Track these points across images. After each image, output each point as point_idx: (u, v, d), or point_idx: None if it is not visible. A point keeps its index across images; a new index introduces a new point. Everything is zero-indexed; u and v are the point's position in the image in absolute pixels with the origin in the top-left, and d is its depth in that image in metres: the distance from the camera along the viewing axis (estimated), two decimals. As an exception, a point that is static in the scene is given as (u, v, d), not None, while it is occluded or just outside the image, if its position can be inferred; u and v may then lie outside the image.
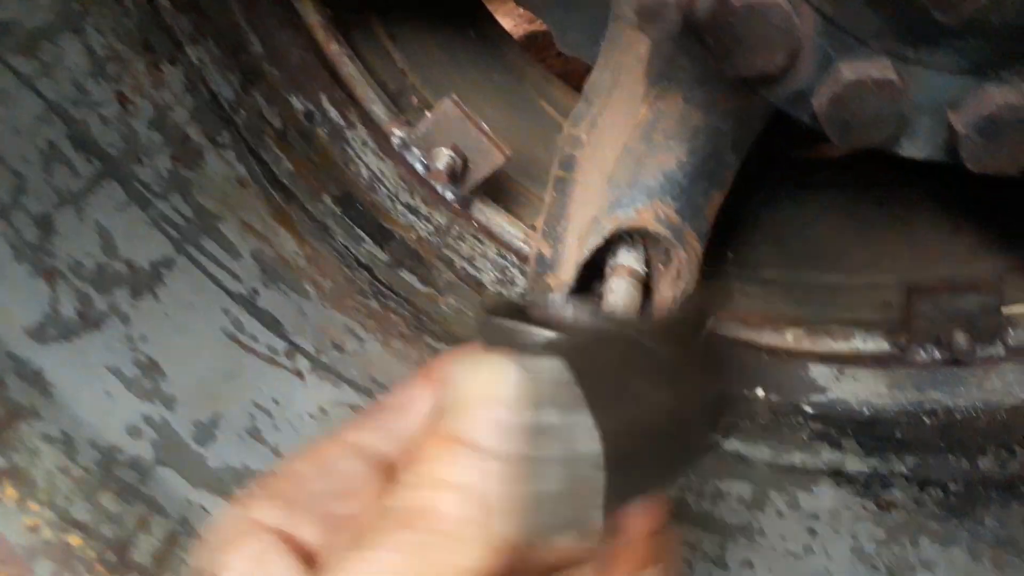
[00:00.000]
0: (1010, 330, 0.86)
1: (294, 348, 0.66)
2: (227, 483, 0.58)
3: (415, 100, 0.97)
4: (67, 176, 0.56)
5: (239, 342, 0.63)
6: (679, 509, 0.75)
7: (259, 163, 0.72)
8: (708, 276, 1.02)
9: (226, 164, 0.69)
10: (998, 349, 0.86)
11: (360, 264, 0.76)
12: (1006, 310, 0.89)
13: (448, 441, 0.36)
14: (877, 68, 0.50)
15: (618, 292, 0.85)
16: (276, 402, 0.63)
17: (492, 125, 1.13)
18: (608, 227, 0.84)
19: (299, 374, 0.65)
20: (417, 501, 0.35)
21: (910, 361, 0.89)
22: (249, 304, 0.65)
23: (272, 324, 0.66)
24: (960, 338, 0.84)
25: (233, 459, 0.59)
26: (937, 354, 0.88)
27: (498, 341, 0.42)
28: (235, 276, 0.65)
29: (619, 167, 0.87)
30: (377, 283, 0.76)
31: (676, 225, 0.84)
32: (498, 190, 0.98)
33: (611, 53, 0.98)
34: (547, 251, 0.89)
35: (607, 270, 0.89)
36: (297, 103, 0.80)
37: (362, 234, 0.78)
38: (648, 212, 0.84)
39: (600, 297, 0.88)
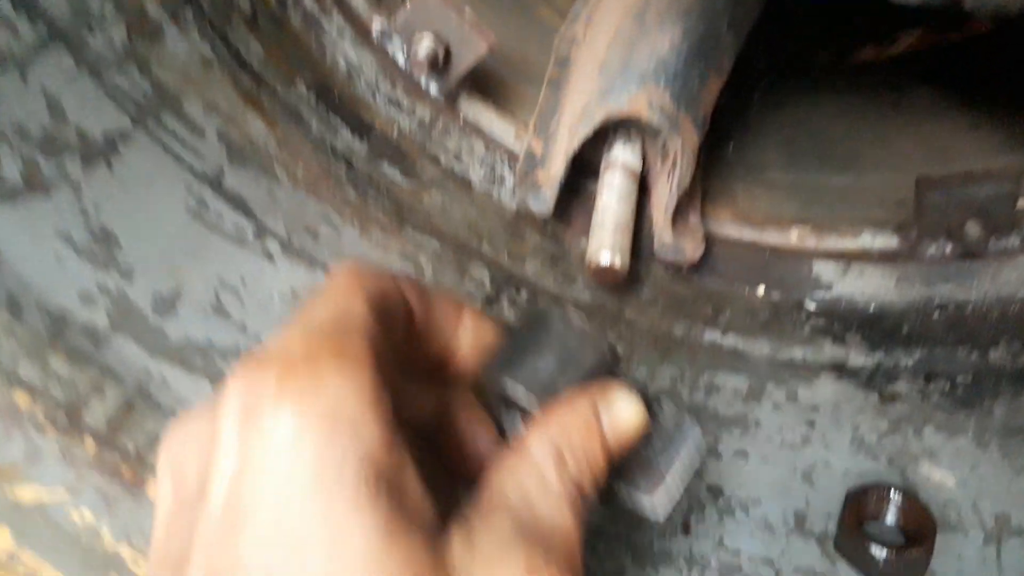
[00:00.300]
0: (1025, 221, 0.82)
1: (264, 230, 0.64)
2: (189, 355, 0.56)
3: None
4: (8, 38, 0.54)
5: (203, 219, 0.61)
6: (671, 399, 0.72)
7: (225, 45, 0.69)
8: (709, 175, 0.98)
9: (188, 43, 0.66)
10: (1013, 241, 0.81)
11: (337, 154, 0.73)
12: (1021, 202, 0.84)
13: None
14: None
15: (613, 187, 0.82)
16: (244, 280, 0.61)
17: (489, 27, 1.09)
18: (598, 116, 0.80)
19: (269, 256, 0.63)
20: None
21: (920, 256, 0.85)
22: (215, 183, 0.63)
23: (240, 205, 0.64)
24: (972, 229, 0.80)
25: (195, 333, 0.57)
26: (948, 248, 0.83)
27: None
28: (199, 154, 0.63)
29: (611, 53, 0.83)
30: (355, 174, 0.73)
31: (670, 112, 0.80)
32: (490, 90, 0.95)
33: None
34: (537, 147, 0.85)
35: (602, 166, 0.85)
36: (268, -14, 0.76)
37: (339, 125, 0.75)
38: (641, 99, 0.80)
39: (593, 196, 0.85)
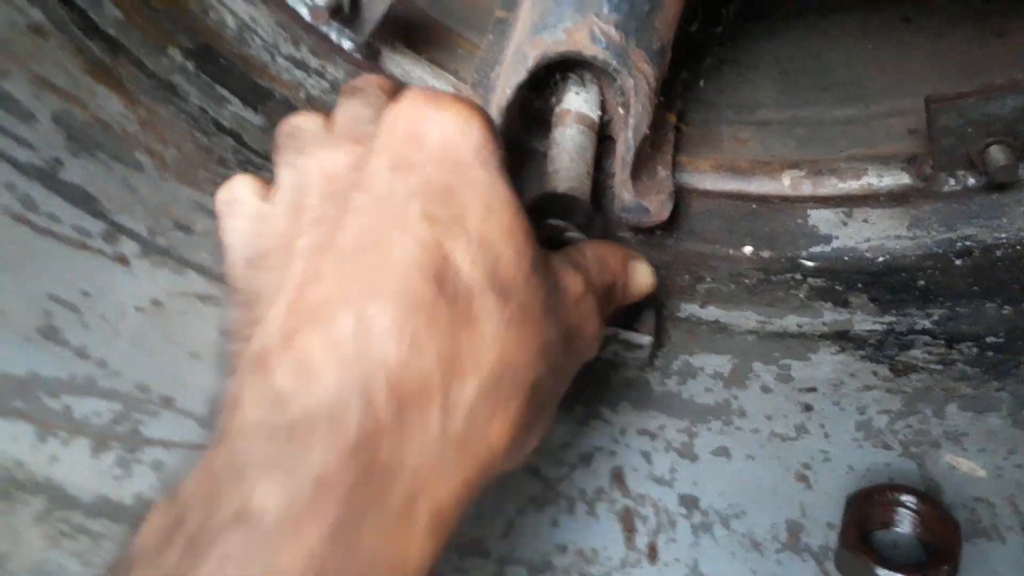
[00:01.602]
0: (1065, 139, 0.67)
1: (116, 229, 0.53)
2: (4, 395, 0.45)
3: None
4: None
5: (29, 223, 0.50)
6: (637, 392, 0.61)
7: (67, 7, 0.57)
8: (689, 121, 0.85)
9: (10, 8, 0.54)
10: (1049, 164, 0.67)
11: (222, 129, 0.62)
12: (1060, 115, 0.70)
13: None
14: None
15: (562, 143, 0.69)
16: (85, 294, 0.50)
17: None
18: (532, 55, 0.67)
19: (122, 260, 0.52)
20: None
21: (936, 192, 0.71)
22: (47, 177, 0.52)
23: (82, 201, 0.53)
24: (997, 153, 0.66)
25: (14, 365, 0.46)
26: (970, 180, 0.70)
27: None
28: (25, 143, 0.52)
29: (545, -20, 0.70)
30: (246, 150, 0.62)
31: (618, 44, 0.67)
32: (429, 42, 0.83)
33: None
34: (475, 101, 0.73)
35: (553, 118, 0.73)
36: (132, -63, 0.64)
37: (226, 94, 0.64)
38: (581, 31, 0.67)
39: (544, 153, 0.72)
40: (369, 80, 0.51)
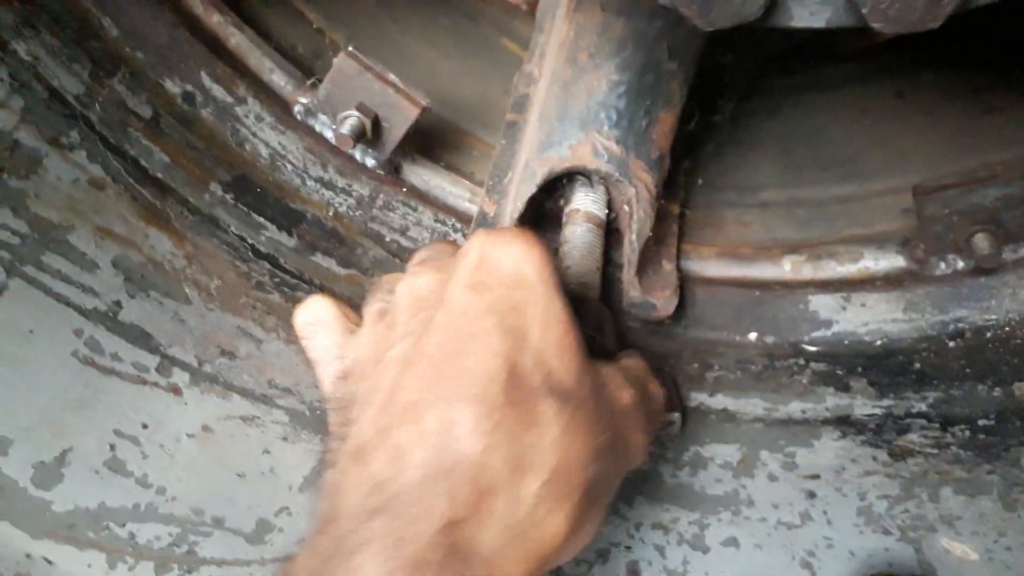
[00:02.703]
0: (1048, 223, 0.71)
1: (169, 362, 0.59)
2: (79, 527, 0.51)
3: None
4: None
5: (95, 365, 0.56)
6: (651, 485, 0.65)
7: (121, 159, 0.64)
8: (695, 206, 0.90)
9: (74, 166, 0.61)
10: (1034, 248, 0.71)
11: (259, 254, 0.68)
12: (1043, 199, 0.73)
13: None
14: (730, -86, 0.37)
15: (573, 241, 0.74)
16: (144, 426, 0.56)
17: (445, 76, 1.03)
18: (540, 172, 0.73)
19: (175, 390, 0.58)
20: None
21: (929, 276, 0.75)
22: (109, 320, 0.58)
23: (139, 339, 0.59)
24: (981, 241, 0.70)
25: (86, 499, 0.52)
26: (960, 264, 0.73)
27: None
28: (89, 291, 0.58)
29: (549, 99, 0.76)
30: (282, 273, 0.68)
31: (618, 157, 0.73)
32: (444, 147, 0.89)
33: (558, -31, 0.86)
34: (490, 208, 0.79)
35: (564, 217, 0.78)
36: (172, 86, 0.72)
37: (262, 220, 0.70)
38: (584, 147, 0.73)
39: (556, 250, 0.77)
40: (443, 241, 0.64)
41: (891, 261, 0.77)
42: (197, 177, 0.69)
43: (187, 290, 0.63)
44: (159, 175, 0.67)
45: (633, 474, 0.66)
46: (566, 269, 0.72)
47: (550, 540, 0.44)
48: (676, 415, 0.66)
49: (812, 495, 0.63)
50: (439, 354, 0.46)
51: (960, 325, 0.71)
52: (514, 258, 0.48)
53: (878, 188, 0.89)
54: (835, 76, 1.10)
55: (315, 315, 0.55)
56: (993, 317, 0.71)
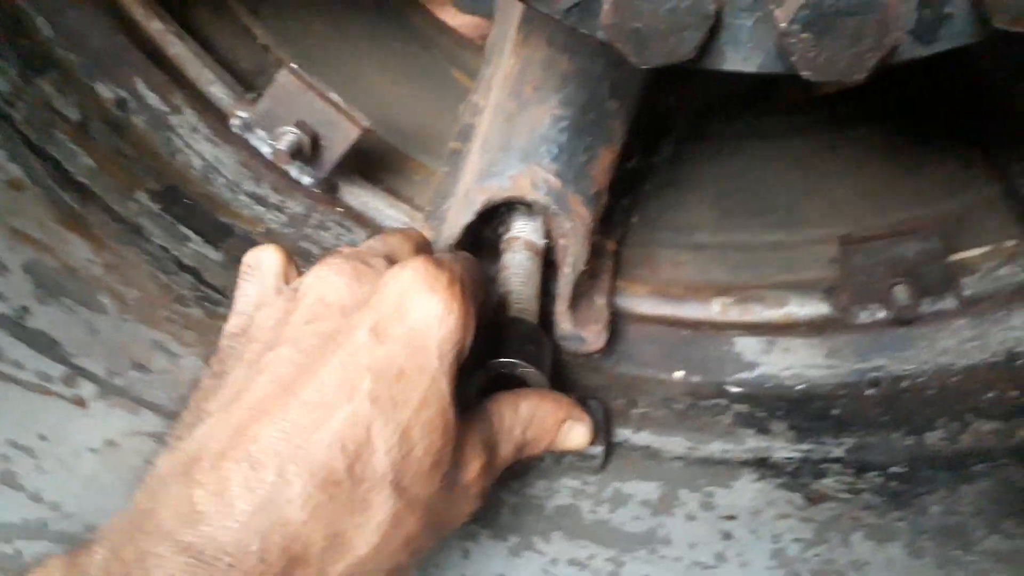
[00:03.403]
0: (963, 279, 0.74)
1: (76, 372, 0.57)
2: (-36, 542, 0.48)
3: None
4: None
5: (-4, 372, 0.53)
6: (569, 520, 0.64)
7: (43, 161, 0.62)
8: (630, 244, 0.91)
9: (-9, 166, 0.59)
10: (950, 302, 0.74)
11: (182, 267, 0.66)
12: (960, 255, 0.76)
13: None
14: (664, -43, 0.38)
15: (511, 267, 0.74)
16: (43, 438, 0.53)
17: (392, 101, 1.03)
18: (479, 200, 0.73)
19: (80, 402, 0.56)
20: None
21: (850, 324, 0.77)
22: (14, 325, 0.56)
23: (46, 347, 0.56)
24: (900, 293, 0.72)
25: (-27, 512, 0.49)
26: (881, 314, 0.75)
27: None
28: (-4, 295, 0.56)
29: (492, 129, 0.76)
30: (204, 288, 0.66)
31: (557, 190, 0.73)
32: (386, 170, 0.88)
33: (506, 6, 0.87)
34: (429, 234, 0.78)
35: (501, 244, 0.78)
36: (105, 91, 0.70)
37: (188, 232, 0.68)
38: (524, 179, 0.73)
39: (494, 278, 0.77)
40: (403, 230, 0.66)
41: (815, 308, 0.79)
42: (124, 184, 0.68)
43: (102, 299, 0.61)
44: (83, 180, 0.65)
45: (552, 509, 0.65)
46: (505, 295, 0.72)
47: None
48: (599, 450, 0.66)
49: (728, 536, 0.64)
50: (310, 395, 0.45)
51: (878, 374, 0.73)
52: (427, 318, 0.48)
53: (808, 237, 0.91)
54: (774, 126, 1.13)
55: (259, 260, 0.55)
56: (909, 367, 0.73)
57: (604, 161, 0.76)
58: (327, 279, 0.52)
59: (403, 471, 0.46)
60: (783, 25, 0.40)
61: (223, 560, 0.40)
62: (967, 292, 0.74)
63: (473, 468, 0.52)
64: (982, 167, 0.88)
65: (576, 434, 0.61)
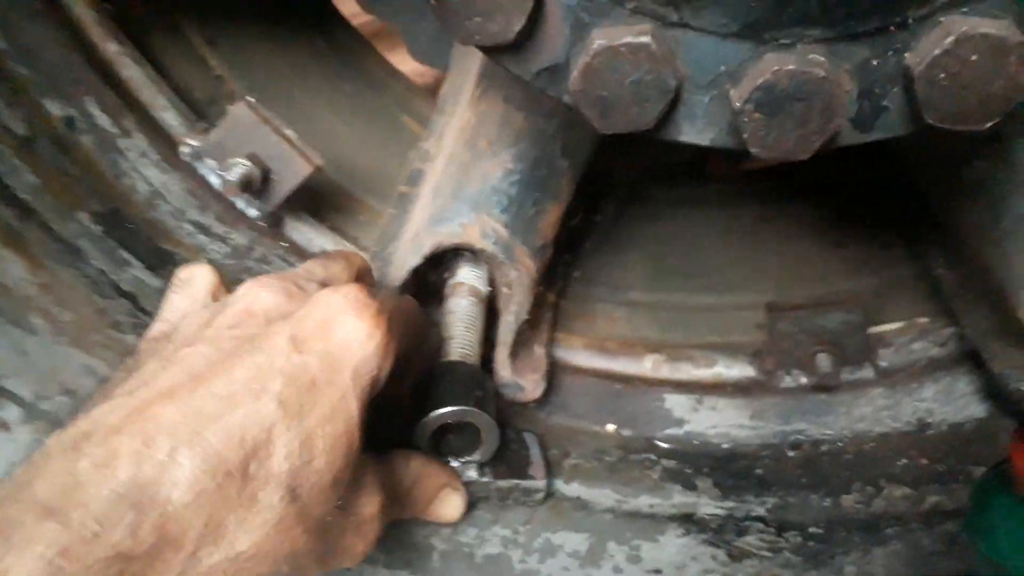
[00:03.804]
0: (880, 350, 0.78)
1: (0, 394, 0.54)
2: None
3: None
4: None
5: (-88, 391, 0.51)
6: (498, 569, 0.65)
7: (-17, 174, 0.61)
8: (568, 297, 0.93)
9: (-73, 177, 0.57)
10: (867, 372, 0.78)
11: (120, 292, 0.65)
12: (878, 328, 0.81)
13: None
14: (632, 32, 0.41)
15: (456, 312, 0.75)
16: (-40, 463, 0.51)
17: (342, 141, 1.04)
18: (428, 243, 0.74)
19: (3, 426, 0.53)
20: None
21: (775, 388, 0.80)
22: (-61, 343, 0.54)
23: (-30, 367, 0.54)
24: (823, 361, 0.76)
25: None
26: (803, 379, 0.79)
27: None
28: (-78, 315, 0.54)
29: (445, 177, 0.78)
30: (141, 314, 0.65)
31: (505, 240, 0.75)
32: (332, 208, 0.89)
33: (462, 59, 0.89)
34: (374, 274, 0.78)
35: (446, 289, 0.79)
36: (55, 108, 0.69)
37: (128, 257, 0.67)
38: (474, 227, 0.75)
39: (438, 322, 0.78)
40: (346, 254, 0.66)
41: (742, 370, 0.82)
42: (66, 204, 0.66)
43: (34, 320, 0.59)
44: (24, 196, 0.63)
45: (482, 557, 0.66)
46: (449, 339, 0.73)
47: None
48: (542, 483, 0.67)
49: (654, 590, 0.65)
50: (219, 386, 0.45)
51: (799, 437, 0.77)
52: (348, 339, 0.49)
53: (735, 302, 0.95)
54: (708, 195, 1.18)
55: (192, 275, 0.57)
56: (829, 432, 0.76)
57: (551, 216, 0.78)
58: (256, 293, 0.53)
59: (300, 479, 0.45)
60: (737, 104, 0.43)
61: (89, 528, 0.39)
62: (883, 363, 0.78)
63: (373, 503, 0.52)
64: (900, 248, 0.94)
65: (452, 503, 0.62)
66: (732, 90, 0.44)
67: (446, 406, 0.61)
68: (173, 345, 0.50)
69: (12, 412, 0.55)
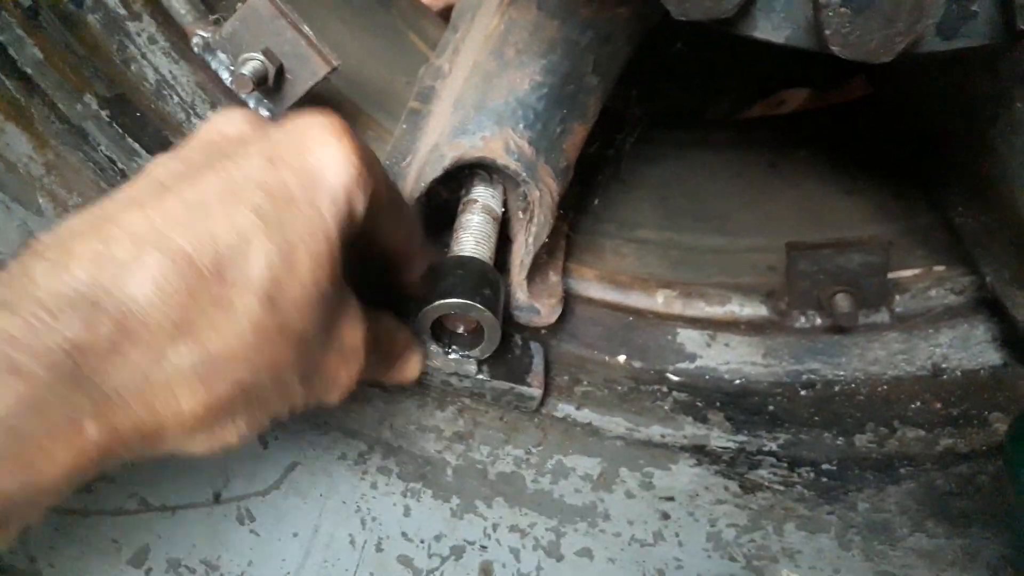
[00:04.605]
0: (896, 296, 0.77)
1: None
2: None
3: (239, 6, 0.82)
4: None
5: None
6: (512, 488, 0.63)
7: (-13, 42, 0.56)
8: (577, 230, 0.91)
9: (-75, 35, 0.53)
10: (883, 316, 0.77)
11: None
12: (894, 275, 0.80)
13: None
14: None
15: (470, 228, 0.72)
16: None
17: (350, 53, 0.99)
18: (450, 155, 0.71)
19: (8, 304, 0.50)
20: None
21: (788, 327, 0.79)
22: (-60, 212, 0.50)
23: (-25, 240, 0.51)
24: (843, 301, 0.75)
25: None
26: (818, 320, 0.78)
27: None
28: (-78, 175, 0.50)
29: (467, 87, 0.75)
30: (150, 206, 0.61)
31: (529, 158, 0.72)
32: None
33: (481, -29, 0.85)
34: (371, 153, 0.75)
35: (460, 206, 0.76)
36: (60, -20, 0.64)
37: (137, 147, 0.63)
38: (497, 141, 0.72)
39: (447, 244, 0.75)
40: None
41: (755, 309, 0.81)
42: (72, 84, 0.62)
43: (41, 200, 0.55)
44: (28, 70, 0.59)
45: (495, 474, 0.64)
46: (459, 254, 0.70)
47: (174, 416, 0.42)
48: (538, 392, 0.67)
49: (666, 516, 0.64)
50: (189, 195, 0.43)
51: (812, 376, 0.76)
52: (326, 160, 0.47)
53: (746, 244, 0.94)
54: (716, 139, 1.16)
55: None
56: (842, 373, 0.75)
57: (577, 137, 0.75)
58: (228, 116, 0.50)
59: (280, 288, 0.43)
60: (824, -3, 0.40)
61: (40, 318, 0.37)
62: (898, 308, 0.77)
63: (356, 331, 0.51)
64: (911, 197, 0.93)
65: (413, 363, 0.62)
66: (816, -17, 0.41)
67: (451, 298, 0.60)
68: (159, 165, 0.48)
69: (16, 292, 0.51)
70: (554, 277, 0.78)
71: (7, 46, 0.58)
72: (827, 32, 0.41)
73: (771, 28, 0.43)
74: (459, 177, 0.76)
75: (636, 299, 0.84)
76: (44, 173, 0.56)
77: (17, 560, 0.52)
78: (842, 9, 0.41)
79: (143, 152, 0.64)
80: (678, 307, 0.82)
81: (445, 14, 1.29)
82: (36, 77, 0.59)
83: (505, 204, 0.76)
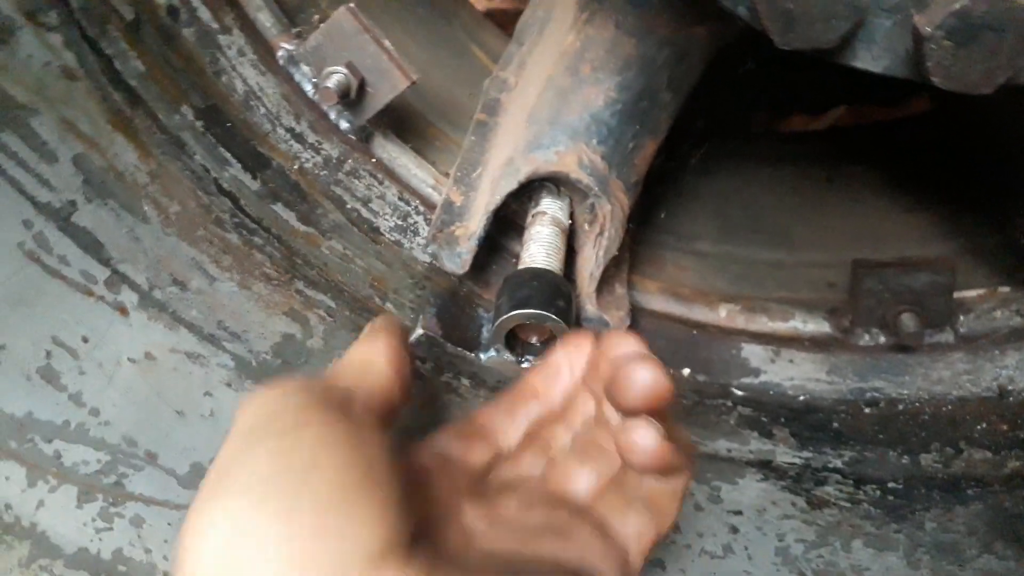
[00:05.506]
0: (961, 316, 0.78)
1: (119, 277, 0.54)
2: (1, 434, 0.45)
3: (317, 20, 0.84)
4: None
5: (41, 263, 0.50)
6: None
7: (97, 55, 0.59)
8: (638, 241, 0.92)
9: (48, 49, 0.56)
10: (948, 336, 0.77)
11: (222, 190, 0.63)
12: (958, 294, 0.80)
13: None
14: (834, -55, 0.39)
15: (540, 240, 0.74)
16: (85, 340, 0.50)
17: (417, 65, 1.01)
18: (525, 169, 0.73)
19: (122, 309, 0.53)
20: None
21: (853, 345, 0.80)
22: (61, 219, 0.52)
23: (91, 247, 0.53)
24: (908, 320, 0.75)
25: (12, 405, 0.46)
26: (882, 338, 0.79)
27: None
28: (45, 183, 0.52)
29: (541, 102, 0.76)
30: (241, 215, 0.64)
31: (601, 173, 0.74)
32: (410, 131, 0.87)
33: (547, -13, 0.87)
34: (457, 198, 0.77)
35: (528, 219, 0.78)
36: (159, -5, 0.66)
37: (228, 156, 0.66)
38: (571, 156, 0.73)
39: (516, 256, 0.77)
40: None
41: (818, 326, 0.82)
42: (170, 95, 0.65)
43: (146, 208, 0.58)
44: (132, 82, 0.62)
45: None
46: (531, 265, 0.72)
47: None
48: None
49: (735, 530, 0.65)
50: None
51: (876, 394, 0.76)
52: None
53: (805, 260, 0.94)
54: (771, 153, 1.17)
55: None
56: (906, 392, 0.76)
57: (647, 151, 0.77)
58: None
59: None
60: (928, 30, 0.41)
61: None
62: (963, 329, 0.78)
63: None
64: (973, 216, 0.93)
65: None
66: (917, 15, 0.42)
67: (528, 308, 0.62)
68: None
69: (130, 297, 0.54)
70: (620, 289, 0.79)
71: (113, 59, 0.60)
72: (928, 64, 0.42)
73: (871, 58, 0.44)
74: (528, 189, 0.78)
75: (699, 312, 0.85)
76: (148, 181, 0.58)
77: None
78: (945, 43, 0.42)
79: (234, 161, 0.67)
80: (741, 322, 0.83)
81: (491, 15, 1.31)
82: (139, 89, 0.61)
83: (571, 216, 0.78)
